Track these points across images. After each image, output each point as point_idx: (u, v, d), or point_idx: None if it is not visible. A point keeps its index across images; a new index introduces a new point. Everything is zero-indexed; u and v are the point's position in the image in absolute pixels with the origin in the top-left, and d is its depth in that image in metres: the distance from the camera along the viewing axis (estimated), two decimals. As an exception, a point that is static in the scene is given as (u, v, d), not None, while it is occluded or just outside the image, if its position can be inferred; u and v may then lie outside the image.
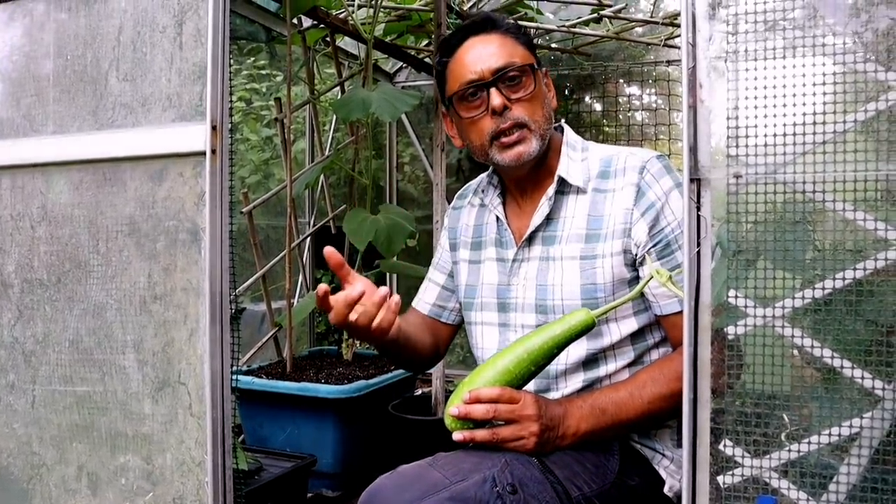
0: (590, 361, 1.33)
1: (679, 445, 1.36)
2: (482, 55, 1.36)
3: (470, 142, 1.41)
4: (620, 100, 3.49)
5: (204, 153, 1.26)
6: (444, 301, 1.62)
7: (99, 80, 1.41)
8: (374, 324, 1.23)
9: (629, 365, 1.33)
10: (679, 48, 3.14)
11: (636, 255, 1.30)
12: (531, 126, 1.35)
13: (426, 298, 1.63)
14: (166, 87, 1.33)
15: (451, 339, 1.66)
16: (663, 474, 1.33)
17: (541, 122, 1.36)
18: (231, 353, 1.31)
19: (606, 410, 1.25)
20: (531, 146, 1.35)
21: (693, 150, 0.94)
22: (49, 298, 1.46)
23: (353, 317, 1.23)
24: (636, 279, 1.31)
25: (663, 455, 1.34)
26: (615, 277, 1.30)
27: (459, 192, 1.64)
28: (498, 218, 1.46)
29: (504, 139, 1.34)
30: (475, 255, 1.51)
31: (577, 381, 1.34)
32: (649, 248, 1.28)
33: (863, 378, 0.88)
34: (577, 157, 1.41)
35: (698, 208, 0.94)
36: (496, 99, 1.33)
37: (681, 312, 1.26)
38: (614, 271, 1.30)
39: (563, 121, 1.48)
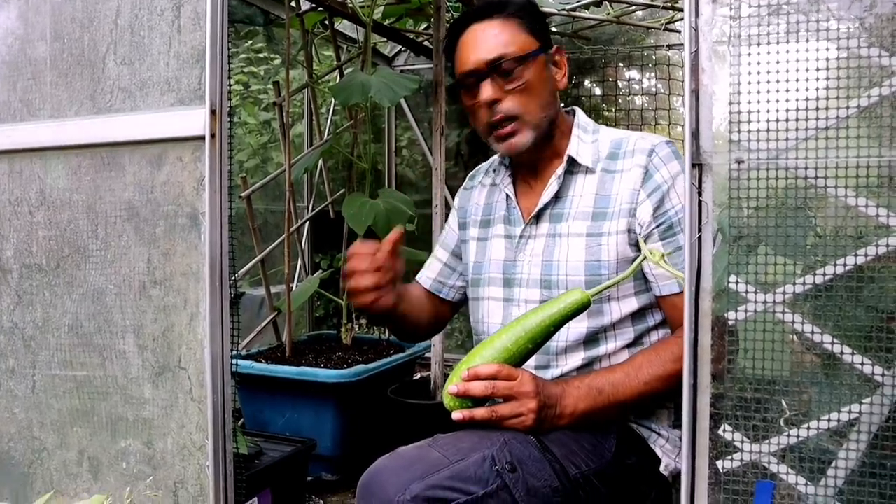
0: (590, 340, 1.34)
1: (675, 426, 1.37)
2: (479, 44, 1.37)
3: (474, 126, 1.46)
4: (620, 84, 3.47)
5: (203, 137, 1.25)
6: (444, 278, 1.65)
7: (96, 63, 1.40)
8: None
9: (629, 345, 1.34)
10: (679, 32, 3.14)
11: (639, 234, 1.31)
12: (524, 118, 1.36)
13: (428, 273, 1.67)
14: (165, 70, 1.32)
15: (450, 315, 1.71)
16: (659, 453, 1.34)
17: (535, 113, 1.37)
18: (231, 337, 1.31)
19: (603, 391, 1.26)
20: (524, 138, 1.37)
21: (695, 135, 0.94)
22: (48, 283, 1.46)
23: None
24: None
25: (659, 434, 1.35)
26: (619, 255, 1.32)
27: (471, 173, 1.67)
28: (508, 196, 1.48)
29: (498, 131, 1.37)
30: (483, 232, 1.53)
31: (576, 359, 1.35)
32: (652, 229, 1.30)
33: (862, 364, 0.89)
34: (588, 138, 1.42)
35: (700, 193, 0.94)
36: (485, 93, 1.35)
37: (679, 294, 1.28)
38: (619, 249, 1.32)
39: (575, 108, 1.49)
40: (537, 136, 1.38)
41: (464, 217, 1.60)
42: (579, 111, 1.49)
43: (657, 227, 1.30)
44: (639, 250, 1.32)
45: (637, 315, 1.35)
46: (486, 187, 1.57)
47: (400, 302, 1.41)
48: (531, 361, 1.31)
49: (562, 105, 1.49)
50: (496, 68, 1.35)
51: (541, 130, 1.38)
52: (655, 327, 1.37)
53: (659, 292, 1.32)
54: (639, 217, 1.32)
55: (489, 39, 1.37)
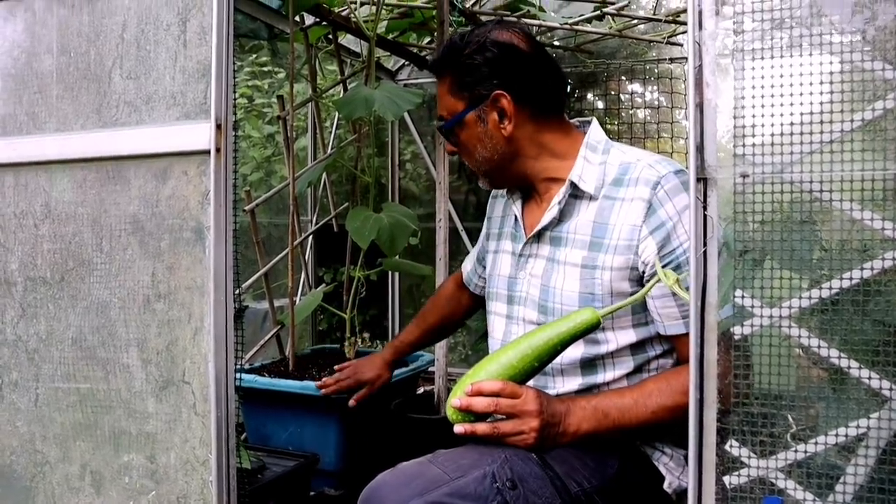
0: (587, 365, 1.33)
1: (679, 444, 1.36)
2: (438, 101, 1.47)
3: None
4: (622, 97, 3.48)
5: (208, 152, 1.26)
6: (473, 274, 1.82)
7: (102, 77, 1.40)
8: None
9: (629, 374, 1.33)
10: (682, 45, 3.14)
11: (643, 273, 1.29)
12: (472, 168, 1.46)
13: (467, 266, 1.86)
14: (170, 85, 1.33)
15: (476, 305, 1.88)
16: (663, 471, 1.33)
17: (479, 165, 1.44)
18: (235, 351, 1.30)
19: (609, 414, 1.24)
20: (482, 183, 1.49)
21: (699, 149, 0.94)
22: (52, 296, 1.46)
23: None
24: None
25: (663, 452, 1.34)
26: (613, 290, 1.30)
27: None
28: (515, 212, 1.49)
29: None
30: (496, 245, 1.56)
31: (573, 383, 1.34)
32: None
33: (870, 378, 0.88)
34: (596, 159, 1.37)
35: (705, 208, 0.93)
36: (447, 145, 1.49)
37: (685, 334, 1.26)
38: (612, 285, 1.30)
39: (593, 119, 1.45)
40: (492, 182, 1.47)
41: (489, 228, 1.65)
42: (594, 126, 1.43)
43: (664, 266, 1.24)
44: (639, 286, 1.29)
45: (636, 346, 1.33)
46: (505, 198, 1.57)
47: (404, 356, 2.02)
48: (530, 381, 1.30)
49: (577, 119, 1.46)
50: (440, 129, 1.46)
51: (493, 177, 1.45)
52: (656, 357, 1.35)
53: (664, 331, 1.29)
54: (642, 255, 1.27)
55: (439, 99, 1.46)
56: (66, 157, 1.43)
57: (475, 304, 1.88)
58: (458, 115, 1.38)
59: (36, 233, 1.47)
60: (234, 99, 1.30)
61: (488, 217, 1.65)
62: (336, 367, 2.05)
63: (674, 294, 1.23)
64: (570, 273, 1.33)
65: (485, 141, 1.39)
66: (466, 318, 1.95)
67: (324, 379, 2.00)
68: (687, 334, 1.24)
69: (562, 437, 1.23)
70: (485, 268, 1.67)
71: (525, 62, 1.37)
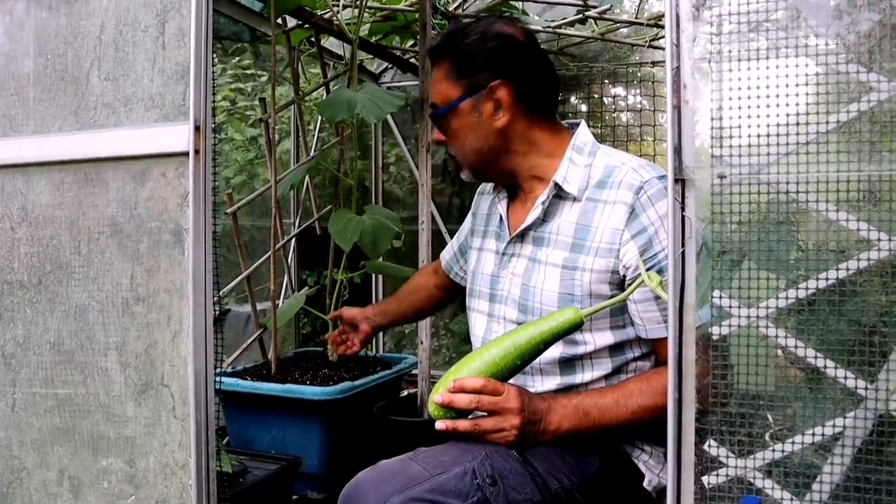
0: (566, 366, 1.34)
1: (658, 442, 1.37)
2: (430, 88, 1.46)
3: None
4: (606, 100, 3.50)
5: (187, 153, 1.25)
6: (454, 262, 1.83)
7: (80, 79, 1.39)
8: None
9: (607, 376, 1.33)
10: (663, 49, 3.16)
11: (624, 276, 1.29)
12: (459, 159, 1.46)
13: (446, 254, 1.86)
14: (149, 86, 1.32)
15: (455, 292, 1.90)
16: (643, 469, 1.34)
17: (467, 156, 1.44)
18: (215, 354, 1.30)
19: (590, 413, 1.25)
20: (466, 175, 1.49)
21: (677, 150, 0.94)
22: (30, 300, 1.44)
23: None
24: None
25: (643, 450, 1.35)
26: (592, 293, 1.30)
27: None
28: (500, 211, 1.49)
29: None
30: (480, 242, 1.56)
31: (552, 382, 1.34)
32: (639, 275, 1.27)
33: (846, 378, 0.89)
34: (582, 161, 1.38)
35: (683, 209, 0.94)
36: (435, 133, 1.47)
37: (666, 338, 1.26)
38: (592, 287, 1.30)
39: (581, 122, 1.45)
40: (477, 174, 1.47)
41: (474, 224, 1.63)
42: (581, 127, 1.43)
43: (647, 270, 1.25)
44: (620, 289, 1.30)
45: (615, 348, 1.33)
46: (491, 196, 1.57)
47: (383, 324, 2.08)
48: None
49: (566, 121, 1.47)
50: (432, 115, 1.45)
51: (479, 169, 1.45)
52: (635, 360, 1.35)
53: (645, 335, 1.30)
54: (623, 259, 1.28)
55: (433, 85, 1.44)
56: (44, 159, 1.42)
57: (450, 291, 1.91)
58: (453, 102, 1.38)
59: (12, 236, 1.46)
60: (214, 101, 1.29)
61: (474, 213, 1.65)
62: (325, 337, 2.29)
63: (657, 298, 1.23)
64: (550, 273, 1.33)
65: (477, 131, 1.39)
66: (440, 304, 2.01)
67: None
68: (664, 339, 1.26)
69: (542, 434, 1.24)
70: (467, 260, 1.68)
71: (525, 57, 1.38)
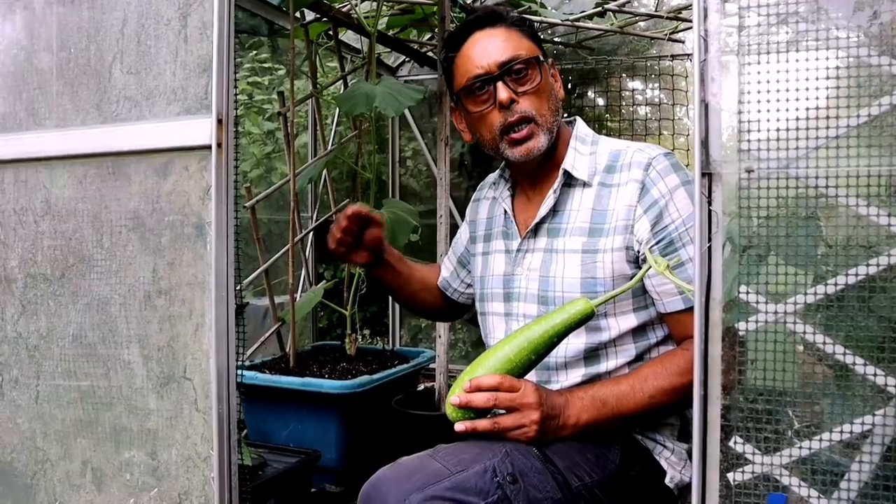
0: (590, 356, 1.33)
1: (681, 438, 1.36)
2: (487, 49, 1.36)
3: (480, 136, 1.42)
4: (624, 94, 3.48)
5: (209, 147, 1.25)
6: (451, 279, 1.73)
7: (102, 73, 1.40)
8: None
9: (630, 362, 1.33)
10: (682, 42, 3.14)
11: (638, 251, 1.30)
12: (538, 120, 1.35)
13: (442, 271, 1.76)
14: (171, 80, 1.32)
15: (462, 311, 1.79)
16: (665, 465, 1.33)
17: (547, 116, 1.36)
18: (236, 348, 1.30)
19: (607, 402, 1.24)
20: (539, 142, 1.35)
21: (704, 144, 0.93)
22: (53, 293, 1.46)
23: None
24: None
25: (664, 447, 1.34)
26: (615, 273, 1.30)
27: (480, 184, 1.68)
28: (505, 210, 1.48)
29: (514, 135, 1.35)
30: (486, 247, 1.54)
31: (577, 375, 1.34)
32: (652, 246, 1.28)
33: (875, 375, 0.88)
34: (586, 150, 1.40)
35: (709, 203, 0.93)
36: (503, 93, 1.33)
37: (684, 311, 1.27)
38: (614, 266, 1.30)
39: (576, 117, 1.48)
40: (550, 141, 1.37)
41: (473, 231, 1.61)
42: (579, 121, 1.47)
43: (657, 243, 1.28)
44: (637, 267, 1.31)
45: (638, 331, 1.33)
46: (490, 201, 1.57)
47: (386, 268, 1.57)
48: (532, 377, 1.30)
49: (565, 115, 1.49)
50: (509, 70, 1.34)
51: (552, 135, 1.38)
52: (657, 344, 1.35)
53: (664, 309, 1.30)
54: (637, 234, 1.30)
55: (498, 44, 1.36)
56: (66, 152, 1.43)
57: (446, 307, 1.77)
58: (539, 56, 1.38)
59: (36, 229, 1.47)
60: (235, 95, 1.29)
61: (470, 220, 1.63)
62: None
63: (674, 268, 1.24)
64: (570, 260, 1.33)
65: (556, 92, 1.41)
66: (432, 310, 1.80)
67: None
68: (682, 311, 1.27)
69: (562, 429, 1.23)
70: (469, 272, 1.66)
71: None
